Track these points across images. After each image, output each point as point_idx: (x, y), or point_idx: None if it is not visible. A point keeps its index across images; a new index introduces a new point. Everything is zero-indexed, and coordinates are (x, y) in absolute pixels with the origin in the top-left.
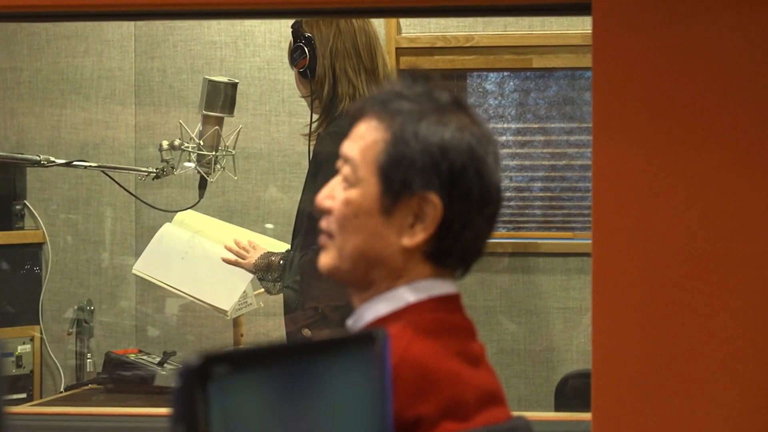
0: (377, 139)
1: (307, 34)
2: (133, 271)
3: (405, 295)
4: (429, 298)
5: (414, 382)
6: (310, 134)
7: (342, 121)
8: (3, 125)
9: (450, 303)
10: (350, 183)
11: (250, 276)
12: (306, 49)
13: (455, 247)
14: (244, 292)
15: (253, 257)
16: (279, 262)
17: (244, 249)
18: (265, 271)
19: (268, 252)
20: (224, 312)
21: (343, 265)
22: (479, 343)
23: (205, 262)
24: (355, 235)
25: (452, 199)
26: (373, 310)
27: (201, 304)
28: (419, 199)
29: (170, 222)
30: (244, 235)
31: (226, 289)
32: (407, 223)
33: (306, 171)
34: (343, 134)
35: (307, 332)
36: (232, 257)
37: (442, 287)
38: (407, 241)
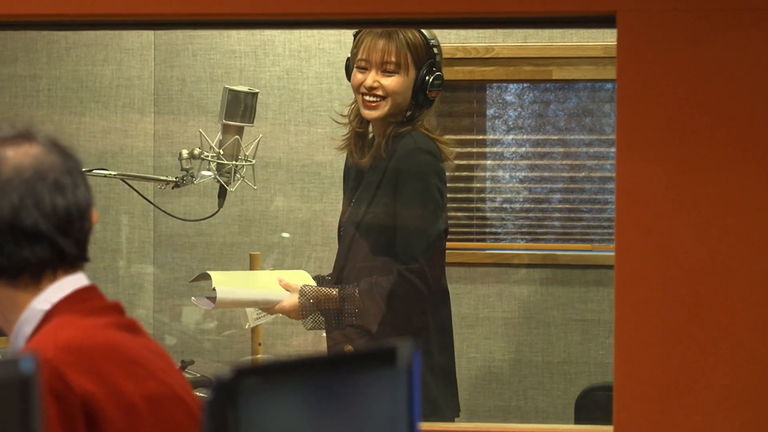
0: None
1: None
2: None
3: (36, 311)
4: (52, 306)
5: (80, 364)
6: (379, 152)
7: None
8: None
9: (82, 296)
10: None
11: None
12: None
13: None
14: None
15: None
16: (335, 296)
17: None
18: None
19: (306, 288)
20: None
21: None
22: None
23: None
24: None
25: None
26: (21, 335)
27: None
28: None
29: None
30: (272, 275)
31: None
32: None
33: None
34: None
35: (350, 348)
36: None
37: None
38: None
